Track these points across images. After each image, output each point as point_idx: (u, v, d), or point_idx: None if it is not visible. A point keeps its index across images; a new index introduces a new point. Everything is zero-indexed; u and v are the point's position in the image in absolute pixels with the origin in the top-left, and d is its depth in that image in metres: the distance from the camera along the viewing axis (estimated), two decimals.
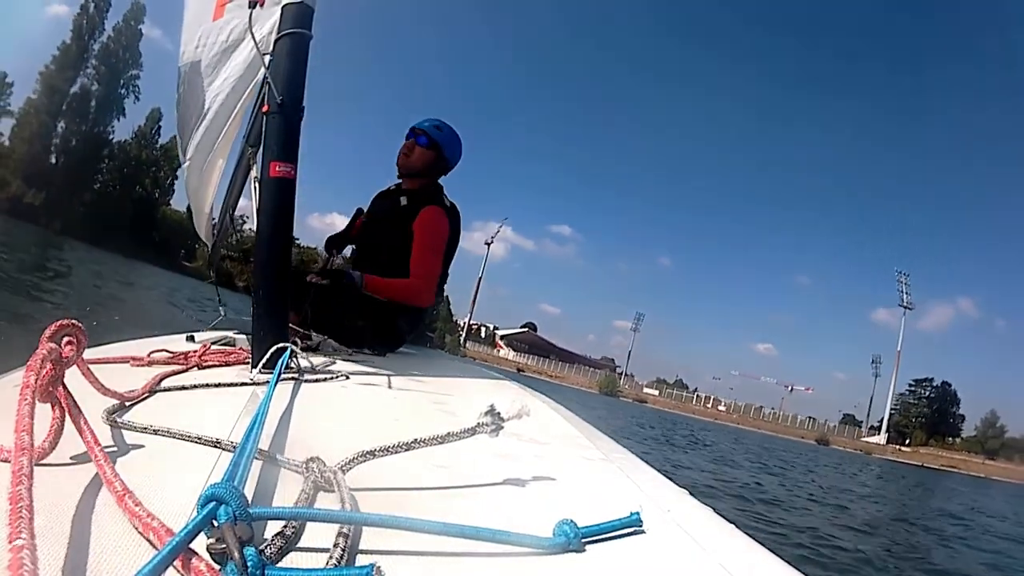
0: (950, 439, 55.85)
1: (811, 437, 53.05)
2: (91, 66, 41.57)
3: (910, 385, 60.21)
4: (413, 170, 2.04)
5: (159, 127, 44.87)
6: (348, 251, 2.38)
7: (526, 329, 70.00)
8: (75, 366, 0.58)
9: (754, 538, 0.58)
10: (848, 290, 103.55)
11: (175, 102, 2.05)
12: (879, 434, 55.78)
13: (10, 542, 0.31)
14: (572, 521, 0.48)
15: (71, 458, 0.52)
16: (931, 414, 57.07)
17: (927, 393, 58.77)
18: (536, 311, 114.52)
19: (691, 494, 0.70)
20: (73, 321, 0.57)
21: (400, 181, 2.12)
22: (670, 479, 0.77)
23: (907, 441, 54.67)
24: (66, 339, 0.56)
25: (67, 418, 0.51)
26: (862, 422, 59.56)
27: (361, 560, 0.41)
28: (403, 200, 2.02)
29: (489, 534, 0.45)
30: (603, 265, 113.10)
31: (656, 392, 64.09)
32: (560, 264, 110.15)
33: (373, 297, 1.87)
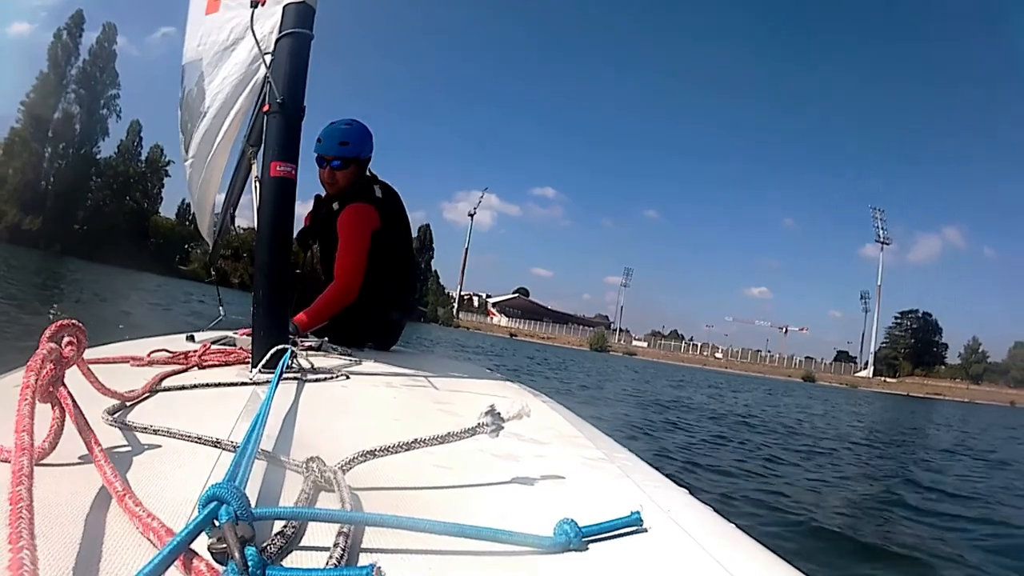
0: (937, 367, 56.53)
1: (798, 375, 53.50)
2: (71, 91, 42.71)
3: (896, 318, 61.14)
4: (347, 192, 2.03)
5: (140, 139, 46.21)
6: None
7: (517, 295, 70.42)
8: (75, 366, 0.58)
9: (754, 538, 0.58)
10: (836, 228, 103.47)
11: (178, 101, 2.05)
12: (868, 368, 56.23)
13: (10, 542, 0.31)
14: (573, 520, 0.48)
15: (71, 458, 0.52)
16: (915, 345, 57.85)
17: (911, 325, 59.54)
18: (529, 276, 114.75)
19: (691, 493, 0.70)
20: (73, 321, 0.57)
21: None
22: (670, 479, 0.77)
23: (896, 373, 55.06)
24: (66, 339, 0.56)
25: (67, 418, 0.51)
26: (856, 358, 60.24)
27: (361, 560, 0.41)
28: (335, 205, 2.02)
29: (490, 533, 0.45)
30: (590, 223, 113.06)
31: (645, 344, 64.64)
32: (547, 226, 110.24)
33: (362, 300, 1.90)
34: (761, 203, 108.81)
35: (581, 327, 65.71)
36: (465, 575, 0.42)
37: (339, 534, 0.42)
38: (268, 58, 1.32)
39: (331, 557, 0.39)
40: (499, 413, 0.61)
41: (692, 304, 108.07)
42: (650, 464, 0.83)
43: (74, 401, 0.52)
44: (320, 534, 0.43)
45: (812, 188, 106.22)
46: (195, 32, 1.85)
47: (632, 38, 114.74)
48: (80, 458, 0.51)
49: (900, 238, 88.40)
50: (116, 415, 0.67)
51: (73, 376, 0.56)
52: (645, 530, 0.53)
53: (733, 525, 0.62)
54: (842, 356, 63.38)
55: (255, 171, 1.40)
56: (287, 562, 0.40)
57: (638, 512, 0.53)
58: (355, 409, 0.99)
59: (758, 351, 63.83)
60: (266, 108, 1.27)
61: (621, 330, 69.75)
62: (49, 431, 0.50)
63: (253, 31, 1.35)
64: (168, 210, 49.43)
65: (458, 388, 1.40)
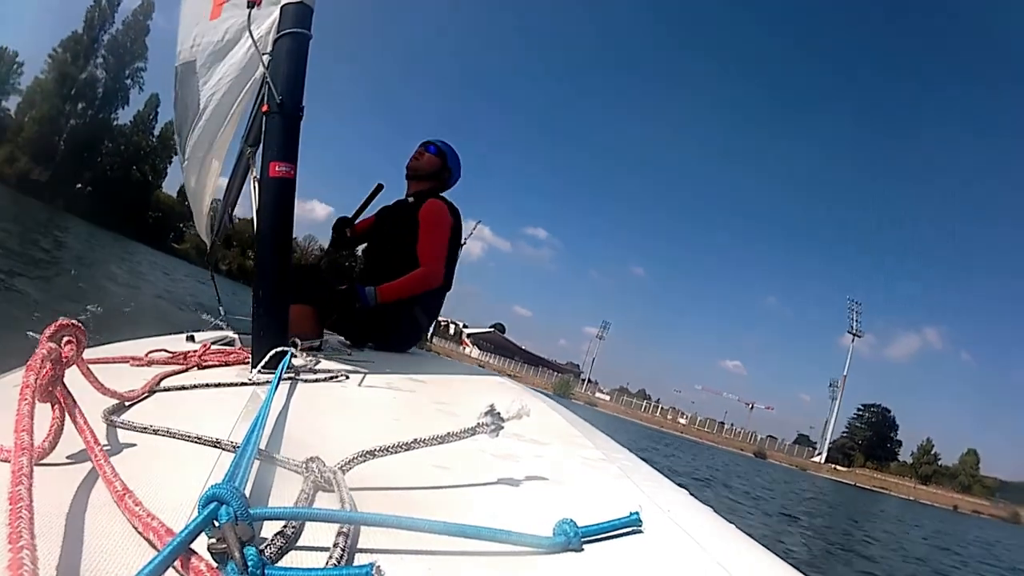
0: (889, 463, 57.25)
1: (750, 450, 53.86)
2: (100, 55, 44.09)
3: (858, 409, 62.22)
4: (421, 172, 2.28)
5: (156, 113, 47.13)
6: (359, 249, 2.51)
7: (492, 329, 70.43)
8: (75, 366, 0.58)
9: (754, 538, 0.58)
10: (818, 314, 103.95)
11: (172, 102, 2.05)
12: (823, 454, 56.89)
13: (10, 542, 0.31)
14: (572, 520, 0.48)
15: (71, 458, 0.52)
16: (871, 438, 58.82)
17: (870, 418, 60.51)
18: (509, 312, 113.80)
19: (691, 494, 0.70)
20: (73, 321, 0.57)
21: (405, 195, 2.34)
22: (670, 479, 0.77)
23: (850, 463, 55.68)
24: (66, 339, 0.56)
25: (67, 418, 0.51)
26: (816, 443, 60.62)
27: (361, 560, 0.41)
28: (410, 199, 2.25)
29: (489, 533, 0.45)
30: (577, 271, 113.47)
31: (608, 398, 65.28)
32: (534, 267, 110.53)
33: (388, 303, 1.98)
34: (747, 279, 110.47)
35: (550, 371, 66.09)
36: (465, 575, 0.42)
37: (339, 534, 0.42)
38: (266, 58, 1.32)
39: (331, 557, 0.39)
40: (499, 413, 0.61)
41: (664, 366, 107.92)
42: (650, 464, 0.83)
43: (74, 401, 0.52)
44: (320, 534, 0.43)
45: (801, 271, 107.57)
46: (188, 33, 1.84)
47: (645, 105, 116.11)
48: (80, 458, 0.51)
49: (880, 332, 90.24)
50: (116, 415, 0.67)
51: (73, 376, 0.56)
52: (644, 530, 0.53)
53: (733, 526, 0.62)
54: (802, 439, 63.81)
55: (254, 172, 1.39)
56: (287, 562, 0.40)
57: (637, 512, 0.53)
58: (355, 409, 0.98)
59: (721, 423, 64.47)
60: (265, 108, 1.27)
61: (589, 380, 70.28)
62: (49, 431, 0.50)
63: (251, 32, 1.34)
64: (171, 188, 49.67)
65: (458, 388, 1.40)
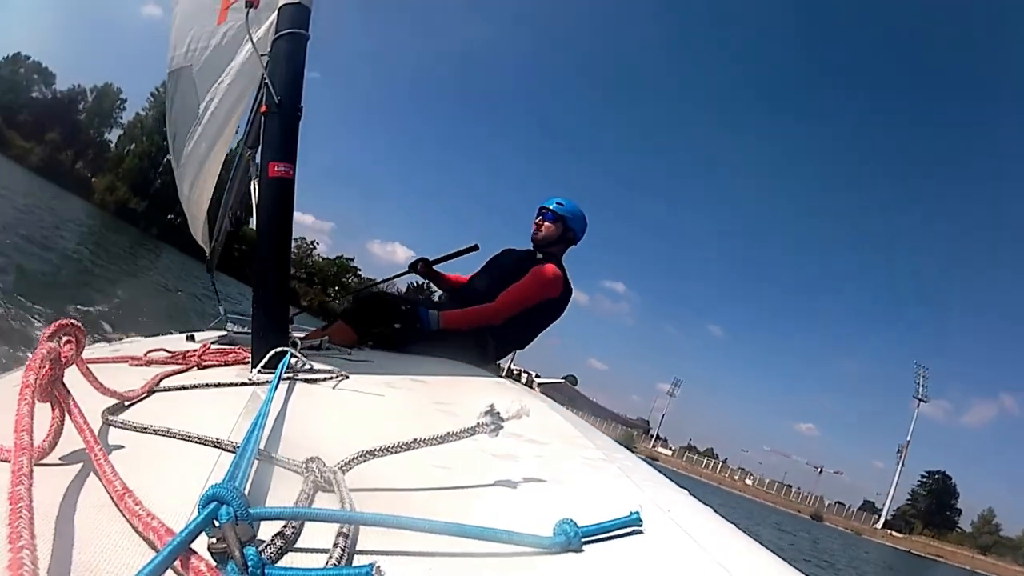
0: (949, 532, 55.85)
1: (807, 512, 53.22)
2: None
3: (922, 476, 60.67)
4: (544, 243, 2.33)
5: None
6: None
7: (563, 380, 70.36)
8: (74, 366, 0.58)
9: (754, 538, 0.58)
10: (898, 379, 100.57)
11: (166, 110, 2.04)
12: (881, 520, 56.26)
13: (10, 542, 0.30)
14: (572, 520, 0.48)
15: (71, 458, 0.52)
16: (930, 505, 57.66)
17: (931, 485, 59.30)
18: (584, 365, 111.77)
19: (691, 494, 0.70)
20: (72, 321, 0.57)
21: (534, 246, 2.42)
22: (670, 479, 0.77)
23: (910, 530, 54.48)
24: (65, 339, 0.56)
25: (67, 418, 0.51)
26: (881, 510, 59.53)
27: (361, 560, 0.41)
28: (539, 256, 2.31)
29: (489, 533, 0.45)
30: (654, 326, 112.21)
31: (669, 453, 65.35)
32: (612, 321, 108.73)
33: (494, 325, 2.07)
34: (826, 341, 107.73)
35: (615, 424, 65.86)
36: (464, 575, 0.42)
37: (339, 534, 0.42)
38: (264, 59, 1.32)
39: (331, 557, 0.39)
40: (498, 413, 0.61)
41: (736, 426, 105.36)
42: (650, 465, 0.83)
43: (74, 401, 0.52)
44: (320, 534, 0.43)
45: (881, 335, 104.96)
46: (182, 38, 1.83)
47: (731, 161, 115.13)
48: (80, 458, 0.51)
49: (957, 399, 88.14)
50: (116, 415, 0.67)
51: (72, 376, 0.56)
52: (645, 530, 0.53)
53: (733, 526, 0.62)
54: (867, 505, 62.53)
55: (253, 172, 1.39)
56: (287, 562, 0.40)
57: (637, 512, 0.53)
58: (355, 409, 0.98)
59: (789, 486, 63.22)
60: (263, 109, 1.27)
61: (658, 436, 69.86)
62: (49, 431, 0.50)
63: (249, 32, 1.34)
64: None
65: (457, 388, 1.40)
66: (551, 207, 2.34)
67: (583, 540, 0.48)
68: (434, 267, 2.48)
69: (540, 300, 2.17)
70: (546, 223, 2.33)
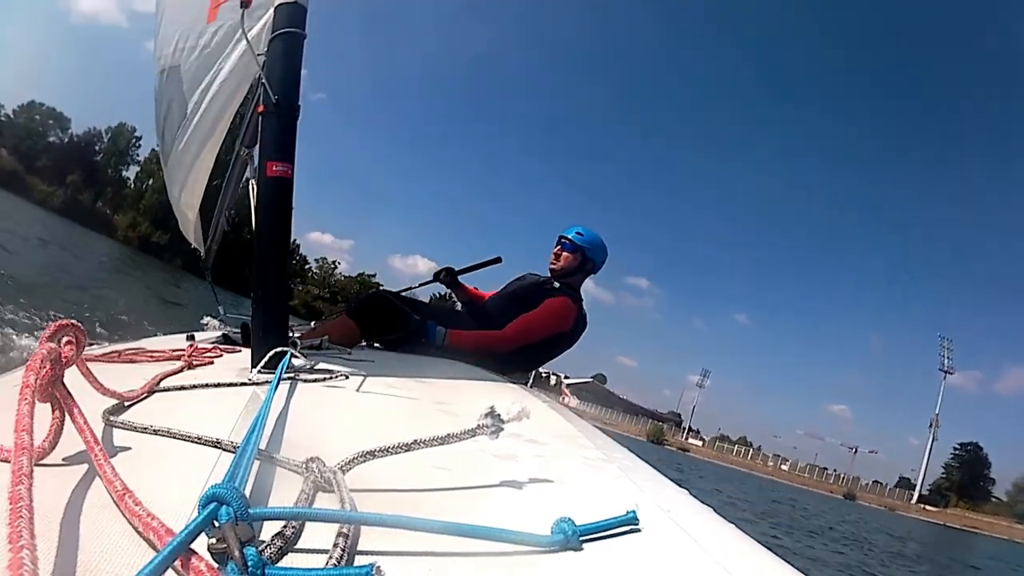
0: (983, 502, 55.18)
1: (839, 492, 52.98)
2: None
3: (955, 448, 60.16)
4: (562, 273, 2.33)
5: None
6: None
7: (592, 380, 70.35)
8: (74, 366, 0.58)
9: (754, 538, 0.58)
10: (927, 353, 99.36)
11: (155, 110, 2.03)
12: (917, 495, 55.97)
13: (10, 542, 0.30)
14: (570, 519, 0.48)
15: (71, 458, 0.52)
16: (962, 477, 57.13)
17: (963, 456, 58.85)
18: (613, 363, 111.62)
19: (691, 494, 0.70)
20: (72, 321, 0.57)
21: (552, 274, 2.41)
22: (670, 479, 0.77)
23: (946, 504, 53.91)
24: (65, 339, 0.56)
25: (67, 418, 0.51)
26: (916, 485, 59.20)
27: (361, 560, 0.41)
28: (556, 284, 2.30)
29: (488, 532, 0.45)
30: (681, 320, 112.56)
31: (700, 443, 65.34)
32: (637, 317, 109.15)
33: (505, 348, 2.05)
34: (855, 320, 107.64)
35: (644, 418, 66.05)
36: (464, 574, 0.42)
37: (339, 534, 0.42)
38: (261, 58, 1.32)
39: (331, 557, 0.39)
40: (499, 414, 0.61)
41: (768, 413, 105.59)
42: (650, 464, 0.83)
43: (74, 401, 0.52)
44: (320, 534, 0.43)
45: (910, 310, 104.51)
46: (170, 38, 1.82)
47: (744, 150, 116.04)
48: (80, 458, 0.51)
49: (986, 367, 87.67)
50: (116, 415, 0.67)
51: (73, 376, 0.56)
52: (644, 529, 0.53)
53: (732, 525, 0.62)
54: (903, 483, 62.01)
55: (250, 172, 1.39)
56: (287, 562, 0.40)
57: (634, 511, 0.53)
58: (355, 410, 0.98)
59: (824, 468, 62.87)
60: (261, 108, 1.26)
61: (690, 428, 69.78)
62: (49, 431, 0.50)
63: (244, 32, 1.34)
64: None
65: (458, 389, 1.40)
66: (570, 237, 2.32)
67: (582, 539, 0.48)
68: (458, 277, 2.48)
69: (550, 335, 2.16)
70: (565, 253, 2.32)
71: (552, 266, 2.34)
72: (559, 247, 2.34)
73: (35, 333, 4.21)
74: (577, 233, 2.33)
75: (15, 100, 45.91)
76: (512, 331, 2.08)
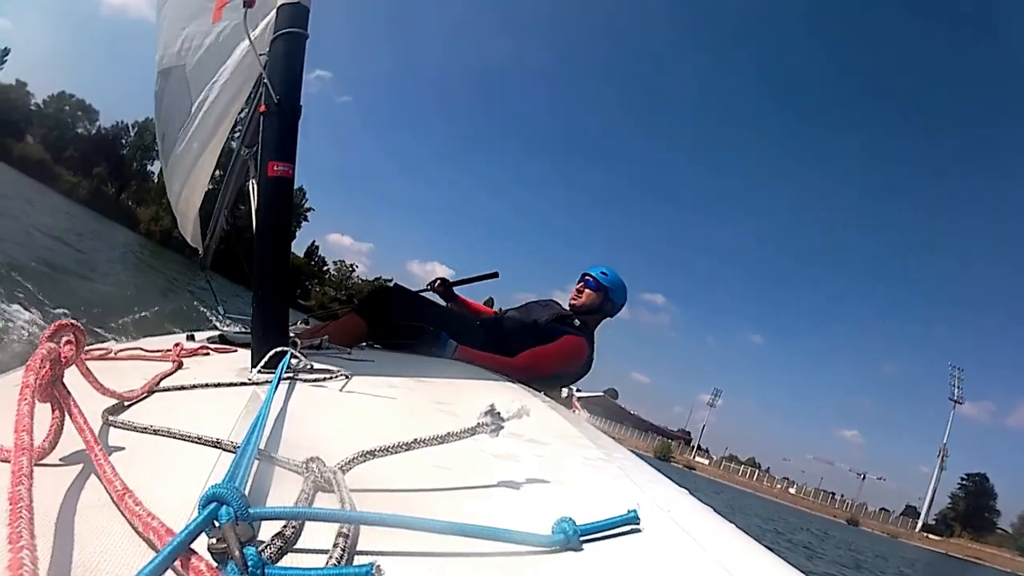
0: (987, 533, 55.01)
1: (842, 517, 53.00)
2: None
3: (962, 479, 60.30)
4: (583, 310, 2.36)
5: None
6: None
7: (603, 394, 70.36)
8: (74, 366, 0.58)
9: (754, 538, 0.58)
10: (938, 380, 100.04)
11: (155, 109, 2.04)
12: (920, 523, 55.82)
13: (10, 542, 0.30)
14: (571, 519, 0.48)
15: (71, 458, 0.51)
16: (967, 508, 57.09)
17: (969, 487, 58.89)
18: (627, 379, 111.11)
19: (692, 494, 0.70)
20: (72, 321, 0.57)
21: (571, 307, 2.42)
22: (671, 479, 0.77)
23: (950, 533, 53.80)
24: (65, 339, 0.56)
25: (67, 418, 0.51)
26: (921, 514, 59.40)
27: (361, 560, 0.41)
28: (576, 322, 2.31)
29: (488, 532, 0.45)
30: (696, 337, 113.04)
31: (706, 462, 65.62)
32: (653, 334, 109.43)
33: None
34: (870, 347, 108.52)
35: (653, 435, 66.06)
36: (464, 574, 0.42)
37: (339, 534, 0.42)
38: (263, 59, 1.32)
39: (331, 557, 0.39)
40: (499, 413, 0.61)
41: (779, 435, 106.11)
42: (650, 464, 0.83)
43: (74, 401, 0.52)
44: (320, 534, 0.43)
45: (926, 339, 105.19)
46: (174, 36, 1.83)
47: (762, 170, 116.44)
48: (80, 458, 0.51)
49: (1000, 399, 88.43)
50: (115, 415, 0.67)
51: (72, 376, 0.56)
52: (644, 529, 0.53)
53: (732, 525, 0.62)
54: (909, 511, 62.33)
55: (251, 172, 1.39)
56: (287, 562, 0.40)
57: (635, 510, 0.53)
58: (355, 409, 0.98)
59: (832, 493, 63.14)
60: (262, 108, 1.26)
61: (699, 447, 69.73)
62: (49, 431, 0.50)
63: (247, 31, 1.34)
64: (299, 248, 56.61)
65: (458, 388, 1.40)
66: (595, 275, 2.36)
67: (582, 539, 0.48)
68: (454, 289, 2.48)
69: (560, 372, 2.19)
70: (588, 290, 2.35)
71: (573, 302, 2.37)
72: (582, 283, 2.37)
73: (38, 323, 4.21)
74: (602, 273, 2.37)
75: (46, 90, 46.52)
76: (522, 362, 2.08)
